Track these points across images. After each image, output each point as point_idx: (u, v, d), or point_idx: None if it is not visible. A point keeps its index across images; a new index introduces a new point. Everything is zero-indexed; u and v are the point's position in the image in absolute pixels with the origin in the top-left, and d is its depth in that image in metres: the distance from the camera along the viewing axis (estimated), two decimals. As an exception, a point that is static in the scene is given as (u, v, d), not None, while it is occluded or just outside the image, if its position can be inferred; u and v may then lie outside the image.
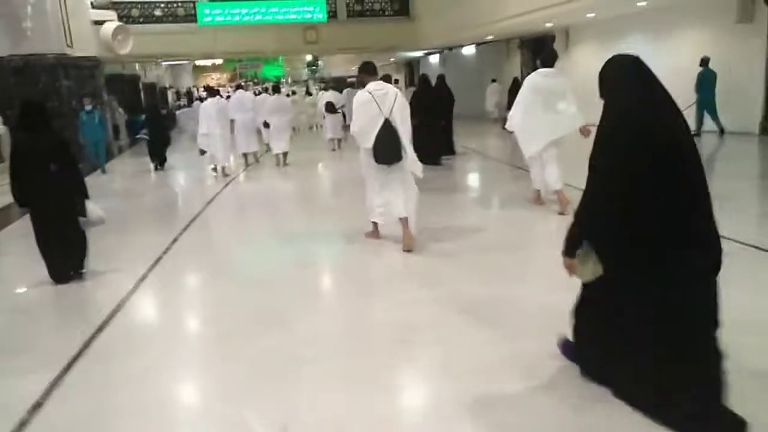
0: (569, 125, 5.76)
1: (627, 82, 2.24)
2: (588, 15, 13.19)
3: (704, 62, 11.16)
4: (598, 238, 2.25)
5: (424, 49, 22.45)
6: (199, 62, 36.48)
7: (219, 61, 37.39)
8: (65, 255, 4.70)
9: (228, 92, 25.42)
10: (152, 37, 17.70)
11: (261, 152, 12.32)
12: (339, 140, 14.06)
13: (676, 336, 2.13)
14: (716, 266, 2.14)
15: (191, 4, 18.76)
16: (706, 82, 11.13)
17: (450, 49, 22.17)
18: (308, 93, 23.03)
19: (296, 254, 5.31)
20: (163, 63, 28.71)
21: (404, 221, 4.90)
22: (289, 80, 41.91)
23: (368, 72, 4.95)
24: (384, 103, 4.69)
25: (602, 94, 2.32)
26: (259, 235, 6.36)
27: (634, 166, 2.09)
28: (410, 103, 10.44)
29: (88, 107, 11.63)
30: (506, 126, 6.22)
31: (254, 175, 10.93)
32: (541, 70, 5.83)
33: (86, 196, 4.74)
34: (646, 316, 2.17)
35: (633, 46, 13.87)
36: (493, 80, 18.09)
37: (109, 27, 14.15)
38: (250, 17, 18.71)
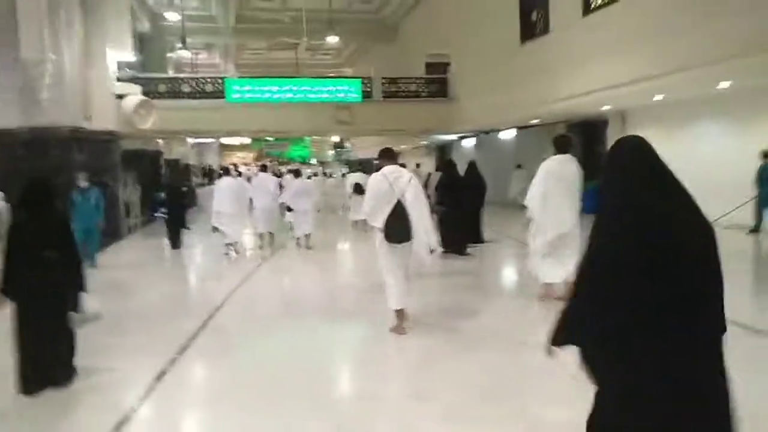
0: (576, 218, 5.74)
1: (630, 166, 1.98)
2: (655, 98, 11.88)
3: (766, 155, 10.36)
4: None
5: (460, 132, 21.43)
6: (226, 140, 36.20)
7: (246, 140, 37.07)
8: (47, 360, 4.10)
9: (248, 171, 24.82)
10: (177, 113, 16.89)
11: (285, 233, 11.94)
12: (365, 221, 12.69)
13: None
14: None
15: (220, 80, 18.08)
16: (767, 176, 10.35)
17: (486, 132, 21.13)
18: (331, 175, 22.37)
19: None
20: (189, 140, 28.25)
21: (400, 312, 5.19)
22: (314, 161, 41.63)
23: (387, 157, 5.22)
24: (397, 185, 4.95)
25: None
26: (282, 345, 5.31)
27: (627, 263, 1.84)
28: (436, 189, 10.11)
29: (84, 184, 9.49)
30: (528, 215, 6.08)
31: (277, 261, 10.19)
32: (555, 156, 5.86)
33: (83, 288, 4.29)
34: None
35: (705, 131, 12.52)
36: (518, 166, 17.11)
37: (132, 100, 13.27)
38: (281, 95, 17.88)
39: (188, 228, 11.95)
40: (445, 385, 4.10)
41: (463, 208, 9.58)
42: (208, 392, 4.31)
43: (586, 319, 1.96)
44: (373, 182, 5.05)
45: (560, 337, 2.05)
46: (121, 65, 13.78)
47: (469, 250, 9.65)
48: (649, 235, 1.82)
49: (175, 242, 11.51)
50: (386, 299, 5.21)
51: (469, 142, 23.99)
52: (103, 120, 12.53)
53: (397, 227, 4.88)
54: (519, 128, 19.08)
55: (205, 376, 4.74)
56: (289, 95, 17.87)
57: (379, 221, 4.94)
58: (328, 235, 13.34)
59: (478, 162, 11.39)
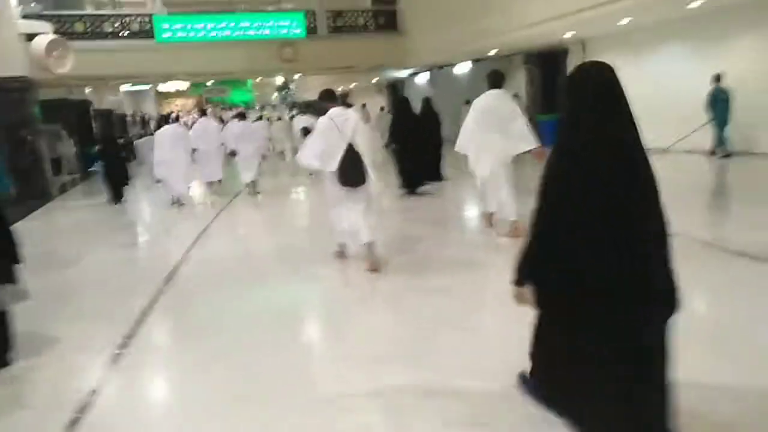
0: (519, 146, 5.76)
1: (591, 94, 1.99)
2: (621, 22, 11.19)
3: (717, 79, 10.36)
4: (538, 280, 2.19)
5: (413, 68, 20.36)
6: (162, 88, 33.82)
7: (183, 87, 34.72)
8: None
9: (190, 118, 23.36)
10: (100, 56, 15.21)
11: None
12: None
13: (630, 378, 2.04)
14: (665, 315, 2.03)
15: (147, 18, 16.27)
16: (720, 100, 10.32)
17: (440, 67, 20.13)
18: (279, 118, 21.72)
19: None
20: (121, 88, 26.12)
21: (369, 245, 5.08)
22: (258, 106, 39.89)
23: (329, 99, 5.11)
24: (345, 128, 4.83)
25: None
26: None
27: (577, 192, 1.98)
28: (389, 128, 9.80)
29: None
30: (456, 149, 6.18)
31: (228, 212, 9.27)
32: (489, 92, 5.84)
33: (16, 259, 3.62)
34: (600, 357, 2.07)
35: (668, 57, 12.03)
36: (467, 102, 16.08)
37: (42, 40, 11.59)
38: (218, 33, 16.29)
39: (128, 182, 11.15)
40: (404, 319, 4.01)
41: (418, 145, 9.18)
42: (173, 375, 3.55)
43: (541, 259, 2.12)
44: (321, 127, 4.89)
45: (520, 276, 2.21)
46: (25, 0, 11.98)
47: (428, 187, 9.36)
48: (596, 180, 1.94)
49: (117, 196, 10.72)
50: (333, 236, 5.28)
51: (422, 79, 22.95)
52: (8, 65, 10.90)
53: (352, 171, 4.82)
54: (474, 61, 18.21)
55: (167, 351, 3.94)
56: (227, 32, 16.33)
57: (332, 165, 4.84)
58: (279, 181, 12.81)
59: (433, 98, 10.77)
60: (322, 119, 4.93)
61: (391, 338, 3.71)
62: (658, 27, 11.80)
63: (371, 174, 4.90)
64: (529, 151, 5.72)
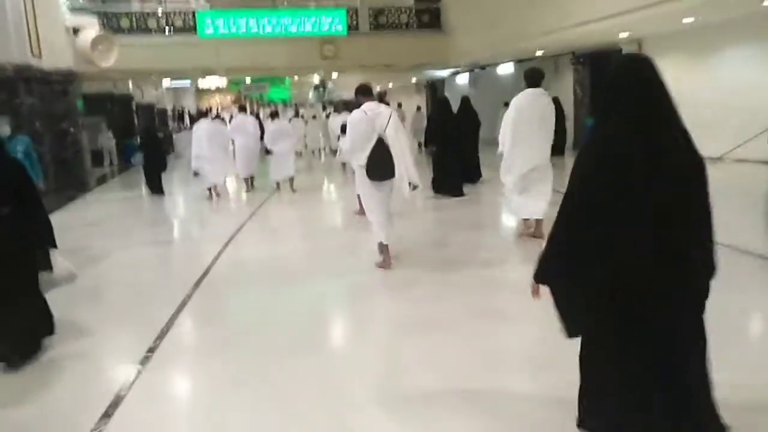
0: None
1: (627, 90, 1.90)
2: (685, 20, 10.56)
3: None
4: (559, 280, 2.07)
5: (455, 67, 19.90)
6: (202, 84, 34.17)
7: (223, 83, 35.02)
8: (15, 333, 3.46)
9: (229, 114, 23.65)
10: (144, 51, 15.29)
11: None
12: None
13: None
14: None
15: (191, 14, 16.29)
16: None
17: (482, 68, 19.63)
18: (314, 116, 21.93)
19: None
20: (163, 84, 26.44)
21: (386, 247, 5.14)
22: (294, 104, 40.00)
23: (364, 94, 5.06)
24: (377, 121, 4.83)
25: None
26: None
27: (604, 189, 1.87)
28: (426, 130, 9.84)
29: (4, 131, 6.90)
30: (498, 151, 6.01)
31: (265, 209, 9.21)
32: (527, 90, 5.65)
33: (53, 244, 3.66)
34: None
35: (732, 59, 11.32)
36: (506, 104, 15.52)
37: (88, 34, 11.63)
38: (259, 29, 16.19)
39: (165, 168, 11.28)
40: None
41: (456, 146, 8.99)
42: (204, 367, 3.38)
43: (563, 257, 2.02)
44: (354, 119, 4.89)
45: (540, 274, 2.10)
46: (72, -6, 12.08)
47: (464, 190, 9.04)
48: (619, 177, 1.83)
49: (156, 188, 10.80)
50: (374, 235, 5.15)
51: (462, 79, 22.49)
52: (55, 57, 10.96)
53: (380, 164, 4.81)
54: (517, 62, 17.67)
55: (199, 340, 3.78)
56: (269, 29, 16.21)
57: (361, 158, 4.86)
58: (314, 179, 12.71)
59: (473, 99, 10.48)
60: (356, 112, 4.93)
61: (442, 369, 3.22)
62: (723, 26, 11.08)
63: (403, 171, 4.88)
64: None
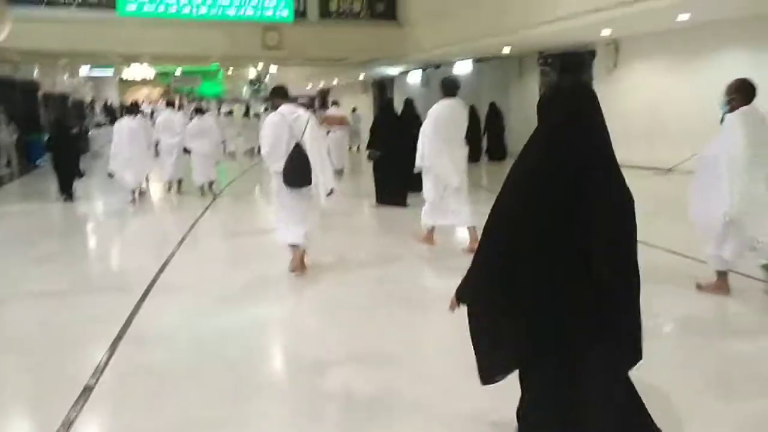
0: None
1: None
2: (679, 17, 9.56)
3: None
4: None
5: (410, 64, 18.56)
6: (127, 75, 31.23)
7: (150, 75, 32.22)
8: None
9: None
10: (50, 27, 12.96)
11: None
12: None
13: None
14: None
15: (109, -13, 14.05)
16: None
17: (437, 66, 18.35)
18: (246, 114, 21.35)
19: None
20: (81, 72, 23.62)
21: (300, 249, 5.06)
22: (218, 101, 38.02)
23: (281, 96, 5.02)
24: (295, 126, 4.75)
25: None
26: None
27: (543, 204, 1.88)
28: (371, 133, 9.45)
29: None
30: (417, 165, 5.82)
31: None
32: (443, 100, 5.66)
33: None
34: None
35: (724, 61, 10.43)
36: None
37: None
38: (192, 9, 14.19)
39: (81, 175, 10.05)
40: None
41: (399, 152, 8.15)
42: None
43: (490, 276, 2.01)
44: (271, 123, 4.79)
45: (465, 292, 2.10)
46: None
47: (408, 200, 8.39)
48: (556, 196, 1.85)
49: (65, 192, 9.60)
50: (277, 235, 5.09)
51: (414, 78, 21.14)
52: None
53: (297, 171, 4.73)
54: (476, 61, 16.52)
55: None
56: (203, 10, 14.27)
57: (278, 164, 4.75)
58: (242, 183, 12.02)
59: (426, 101, 9.23)
60: (272, 115, 4.87)
61: None
62: (706, 28, 10.18)
63: (320, 178, 4.79)
64: None
